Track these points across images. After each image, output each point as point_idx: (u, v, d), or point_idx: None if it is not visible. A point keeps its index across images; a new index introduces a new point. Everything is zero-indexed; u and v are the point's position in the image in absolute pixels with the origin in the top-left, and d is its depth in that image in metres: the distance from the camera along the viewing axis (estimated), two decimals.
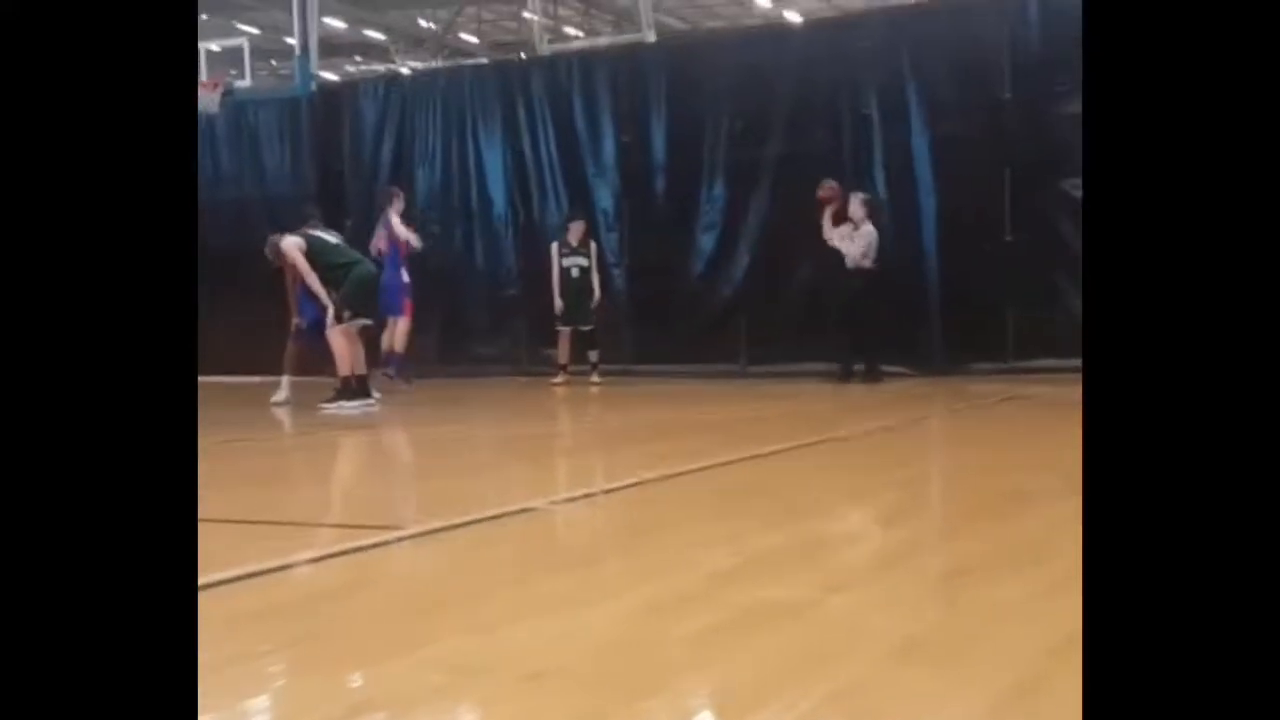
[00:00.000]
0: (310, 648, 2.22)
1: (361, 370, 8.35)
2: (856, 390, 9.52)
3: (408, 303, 10.41)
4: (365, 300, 8.54)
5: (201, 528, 3.61)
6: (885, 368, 10.09)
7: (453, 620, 2.40)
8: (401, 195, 10.69)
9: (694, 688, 1.92)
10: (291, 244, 8.45)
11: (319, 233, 8.73)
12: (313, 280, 8.39)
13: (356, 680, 2.01)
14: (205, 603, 2.52)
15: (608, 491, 4.26)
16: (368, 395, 8.29)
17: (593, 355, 10.86)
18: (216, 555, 3.12)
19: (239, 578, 2.72)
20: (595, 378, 10.74)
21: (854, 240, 9.97)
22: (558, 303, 10.79)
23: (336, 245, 8.69)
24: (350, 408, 8.02)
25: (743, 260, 11.19)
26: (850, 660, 2.02)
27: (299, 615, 2.49)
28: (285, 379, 9.32)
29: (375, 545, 3.14)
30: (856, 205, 10.04)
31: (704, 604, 2.44)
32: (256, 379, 11.75)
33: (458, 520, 3.48)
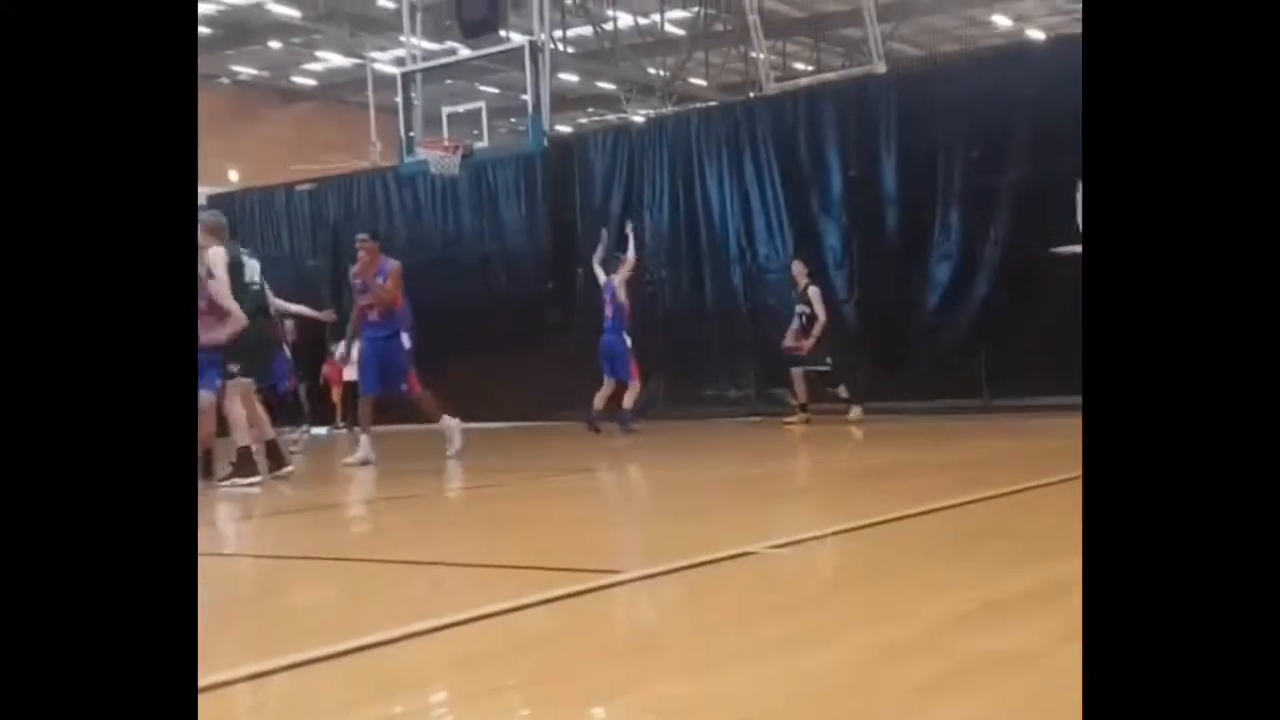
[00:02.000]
0: (532, 689, 2.26)
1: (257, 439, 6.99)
2: None
3: (634, 367, 10.59)
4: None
5: (432, 571, 3.77)
6: None
7: (666, 664, 2.38)
8: (630, 262, 10.89)
9: None
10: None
11: (244, 253, 7.26)
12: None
13: None
14: (437, 645, 2.62)
15: (833, 534, 4.15)
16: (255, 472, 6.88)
17: (842, 391, 10.71)
18: (447, 599, 3.24)
19: (467, 620, 2.80)
20: (853, 414, 10.55)
21: None
22: (788, 341, 10.80)
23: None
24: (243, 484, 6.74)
25: (981, 291, 10.79)
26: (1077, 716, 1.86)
27: (523, 657, 2.53)
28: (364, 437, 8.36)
29: (596, 589, 3.17)
30: None
31: (929, 651, 2.32)
32: (490, 425, 12.19)
33: (676, 565, 3.47)
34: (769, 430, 10.46)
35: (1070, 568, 3.19)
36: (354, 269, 8.48)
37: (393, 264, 8.38)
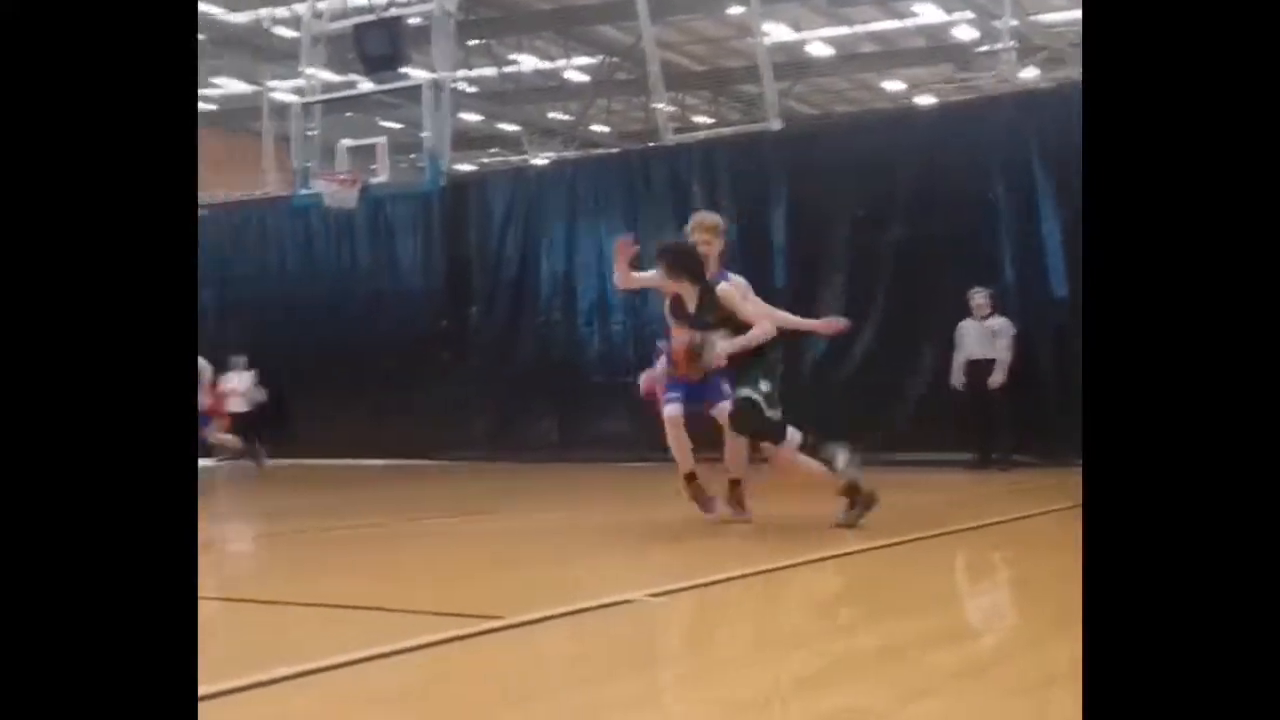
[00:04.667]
0: None
1: None
2: (986, 478, 9.31)
3: None
4: None
5: (292, 612, 3.73)
6: (1018, 458, 9.96)
7: (527, 716, 2.43)
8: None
9: None
10: None
11: None
12: None
13: None
14: (289, 692, 2.62)
15: (706, 585, 4.24)
16: None
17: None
18: (304, 642, 3.23)
19: (346, 664, 2.80)
20: None
21: (997, 335, 10.03)
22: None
23: None
24: None
25: (865, 346, 11.10)
26: None
27: (402, 703, 2.55)
28: None
29: (478, 634, 3.20)
30: (982, 299, 10.07)
31: (778, 709, 2.42)
32: (379, 462, 12.09)
33: (556, 611, 3.52)
34: (655, 474, 10.55)
35: (911, 627, 3.35)
36: None
37: None
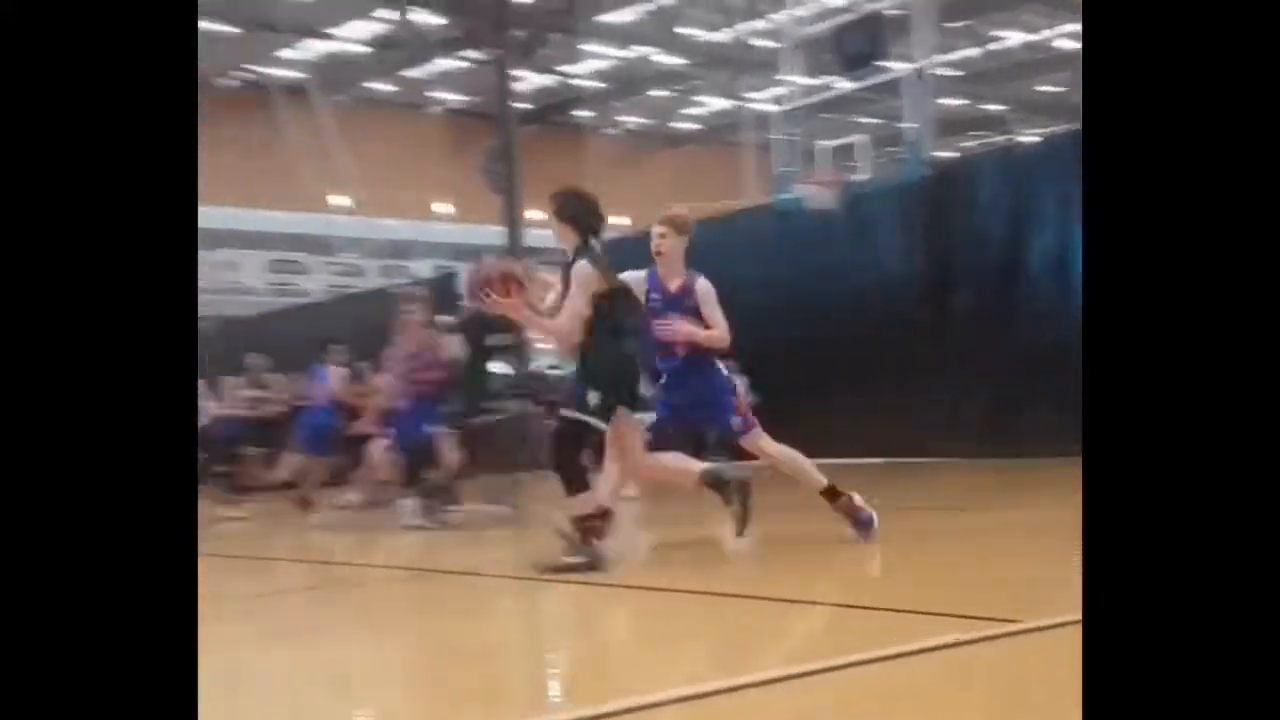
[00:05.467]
0: None
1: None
2: None
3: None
4: None
5: (798, 610, 3.67)
6: None
7: None
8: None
9: None
10: None
11: None
12: None
13: None
14: (811, 688, 2.55)
15: None
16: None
17: None
18: (817, 640, 3.16)
19: (849, 665, 2.72)
20: None
21: None
22: None
23: None
24: None
25: None
26: None
27: (895, 705, 2.42)
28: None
29: (988, 638, 2.98)
30: None
31: None
32: (878, 460, 12.01)
33: (1073, 617, 3.19)
34: None
35: None
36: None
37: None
